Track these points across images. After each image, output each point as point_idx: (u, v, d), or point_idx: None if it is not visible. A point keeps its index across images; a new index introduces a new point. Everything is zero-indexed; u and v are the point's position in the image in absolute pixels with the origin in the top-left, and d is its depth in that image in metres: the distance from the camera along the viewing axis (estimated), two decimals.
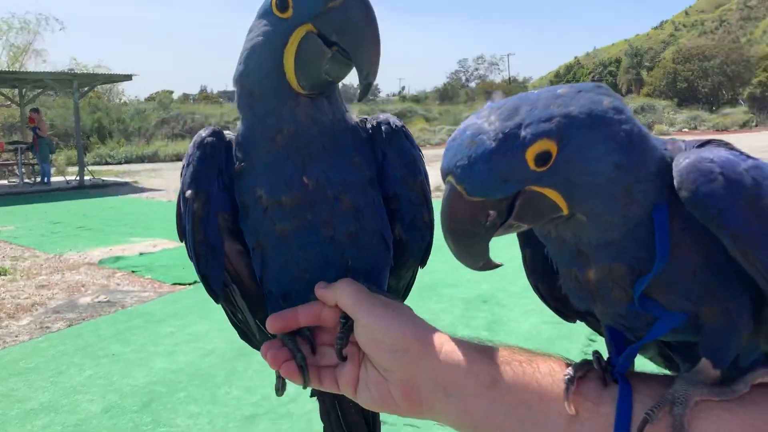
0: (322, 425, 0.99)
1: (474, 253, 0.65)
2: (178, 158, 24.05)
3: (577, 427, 0.63)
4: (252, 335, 0.97)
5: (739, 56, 46.43)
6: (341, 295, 0.79)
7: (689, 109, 40.44)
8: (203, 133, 0.87)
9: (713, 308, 0.64)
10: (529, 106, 0.61)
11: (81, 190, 15.04)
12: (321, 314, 0.82)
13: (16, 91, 19.08)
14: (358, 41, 0.77)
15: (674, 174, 0.61)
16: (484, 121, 0.61)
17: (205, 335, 4.37)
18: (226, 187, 0.86)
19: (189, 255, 0.88)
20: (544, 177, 0.60)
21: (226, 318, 0.99)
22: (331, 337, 0.82)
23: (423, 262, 0.95)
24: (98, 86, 22.50)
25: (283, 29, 0.78)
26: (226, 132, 0.88)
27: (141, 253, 7.24)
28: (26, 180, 16.30)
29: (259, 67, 0.81)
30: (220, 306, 0.94)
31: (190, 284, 5.73)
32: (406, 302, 0.85)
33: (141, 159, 24.70)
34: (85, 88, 18.21)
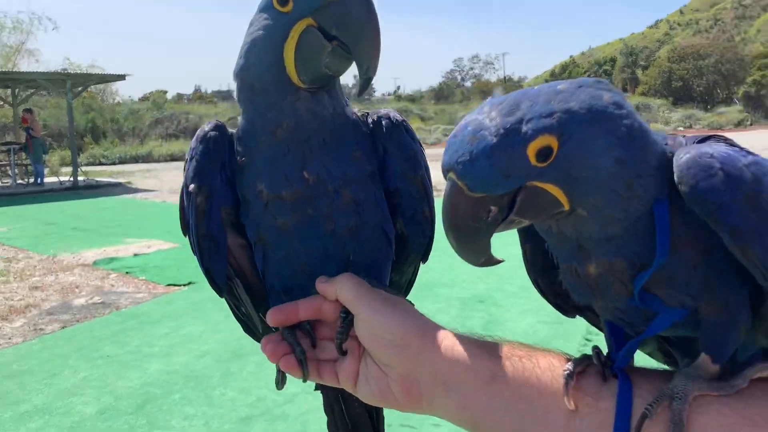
0: (324, 422, 0.99)
1: (476, 249, 0.65)
2: (173, 158, 24.02)
3: (577, 422, 0.63)
4: (255, 329, 0.97)
5: (734, 55, 46.71)
6: (342, 289, 0.79)
7: (684, 108, 40.71)
8: (206, 127, 0.87)
9: (713, 303, 0.64)
10: (530, 101, 0.61)
11: (75, 190, 14.95)
12: (321, 308, 0.82)
13: (9, 91, 18.95)
14: (358, 35, 0.77)
15: (674, 169, 0.61)
16: (485, 117, 0.61)
17: (199, 336, 4.32)
18: (229, 181, 0.86)
19: (192, 249, 0.88)
20: (545, 172, 0.60)
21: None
22: (331, 331, 0.82)
23: (425, 258, 0.95)
24: (92, 86, 22.32)
25: (284, 23, 0.78)
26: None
27: (135, 254, 7.21)
28: (19, 181, 16.21)
29: (259, 60, 0.81)
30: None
31: (184, 285, 5.71)
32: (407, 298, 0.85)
33: (135, 159, 24.62)
34: (79, 88, 18.11)
